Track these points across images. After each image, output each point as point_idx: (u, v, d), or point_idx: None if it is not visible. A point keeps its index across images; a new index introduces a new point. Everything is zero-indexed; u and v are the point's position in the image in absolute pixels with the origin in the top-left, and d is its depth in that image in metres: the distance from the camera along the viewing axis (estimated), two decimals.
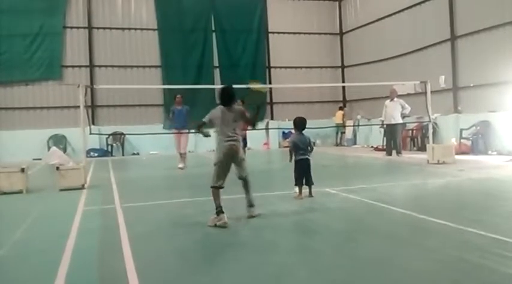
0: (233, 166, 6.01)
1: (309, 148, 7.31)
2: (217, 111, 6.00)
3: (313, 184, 7.26)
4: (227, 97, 6.03)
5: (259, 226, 5.61)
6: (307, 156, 7.26)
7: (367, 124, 19.45)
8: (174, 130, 13.08)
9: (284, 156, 17.36)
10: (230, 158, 5.90)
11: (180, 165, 12.71)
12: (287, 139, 20.37)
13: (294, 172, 7.29)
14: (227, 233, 5.33)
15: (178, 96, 13.14)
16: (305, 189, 7.32)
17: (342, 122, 20.77)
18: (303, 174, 7.22)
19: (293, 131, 7.76)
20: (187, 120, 12.79)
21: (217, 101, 6.17)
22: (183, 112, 12.89)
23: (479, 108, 14.69)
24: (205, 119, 6.01)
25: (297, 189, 7.28)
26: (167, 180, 11.29)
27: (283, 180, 10.12)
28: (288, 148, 7.73)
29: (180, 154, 12.87)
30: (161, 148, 18.36)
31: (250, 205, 6.06)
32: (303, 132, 7.44)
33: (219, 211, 5.65)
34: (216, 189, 5.80)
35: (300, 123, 7.40)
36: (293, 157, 7.35)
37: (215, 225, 5.54)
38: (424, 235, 4.98)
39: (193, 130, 6.77)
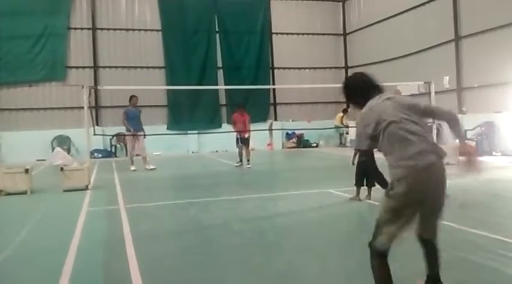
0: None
1: None
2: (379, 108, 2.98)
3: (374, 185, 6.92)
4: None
5: (263, 227, 5.61)
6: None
7: None
8: (129, 133, 12.58)
9: (287, 157, 17.45)
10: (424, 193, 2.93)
11: (133, 168, 12.41)
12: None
13: (357, 173, 7.00)
14: (231, 234, 5.33)
15: (135, 96, 12.69)
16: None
17: (340, 124, 20.72)
18: (364, 174, 6.99)
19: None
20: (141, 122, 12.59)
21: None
22: (137, 114, 12.64)
23: (484, 109, 14.63)
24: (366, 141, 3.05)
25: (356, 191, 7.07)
26: (170, 180, 11.30)
27: (287, 181, 10.17)
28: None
29: (133, 157, 12.64)
30: (164, 149, 18.41)
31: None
32: None
33: None
34: (382, 258, 2.97)
35: None
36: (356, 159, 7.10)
37: None
38: None
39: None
